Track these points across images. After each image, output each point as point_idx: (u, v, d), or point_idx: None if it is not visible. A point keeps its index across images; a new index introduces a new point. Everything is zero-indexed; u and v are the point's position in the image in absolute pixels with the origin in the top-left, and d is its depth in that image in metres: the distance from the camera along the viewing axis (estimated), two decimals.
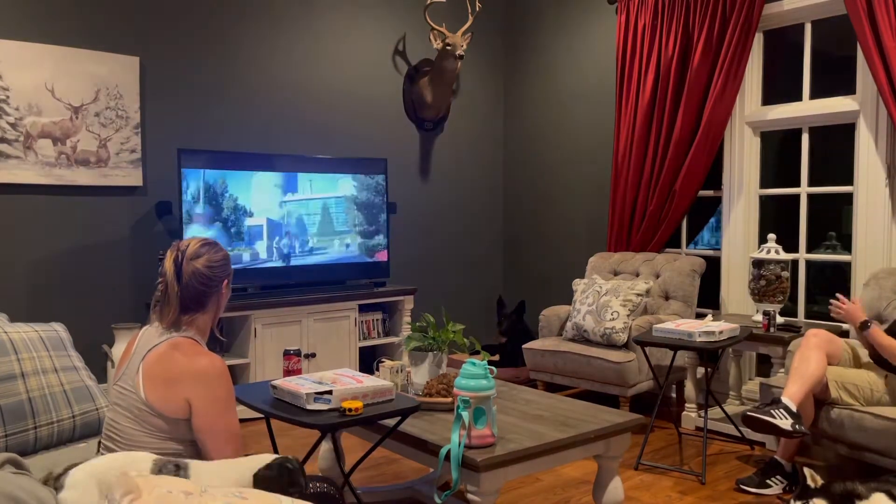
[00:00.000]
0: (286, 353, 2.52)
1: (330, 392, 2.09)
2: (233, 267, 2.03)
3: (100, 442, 1.94)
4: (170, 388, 1.79)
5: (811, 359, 2.93)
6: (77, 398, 2.51)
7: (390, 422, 2.29)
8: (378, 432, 2.43)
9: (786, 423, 2.77)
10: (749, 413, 2.86)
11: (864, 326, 2.98)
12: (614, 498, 2.49)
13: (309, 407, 2.09)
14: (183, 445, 1.81)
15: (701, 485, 3.15)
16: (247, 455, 1.94)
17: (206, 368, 1.81)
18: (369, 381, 2.20)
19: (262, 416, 2.24)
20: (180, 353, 1.83)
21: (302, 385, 2.16)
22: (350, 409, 2.05)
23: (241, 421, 4.25)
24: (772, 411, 2.81)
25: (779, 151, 4.50)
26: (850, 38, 3.77)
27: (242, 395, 2.32)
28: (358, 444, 3.47)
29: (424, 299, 5.32)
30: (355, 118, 5.10)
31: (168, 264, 1.88)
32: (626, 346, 4.02)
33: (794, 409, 2.81)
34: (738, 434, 3.68)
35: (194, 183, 4.09)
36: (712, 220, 4.90)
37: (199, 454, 1.83)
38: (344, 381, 2.19)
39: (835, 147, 4.29)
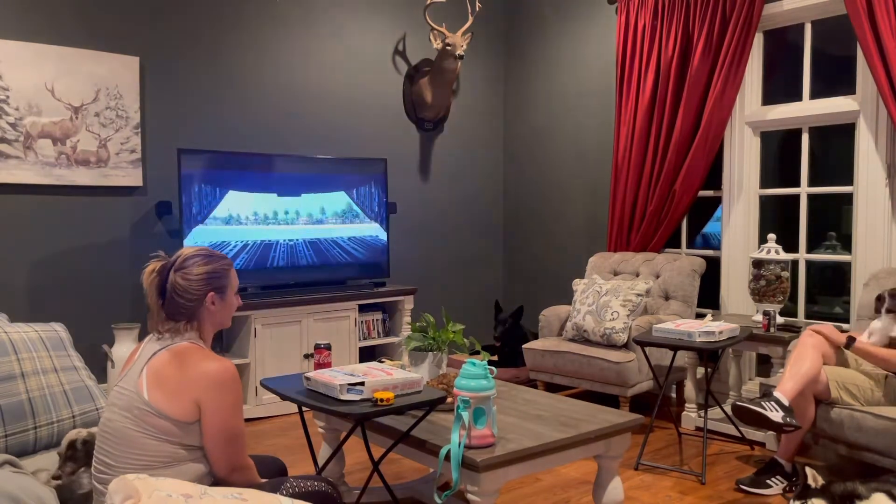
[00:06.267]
0: (317, 347, 2.64)
1: (362, 383, 2.16)
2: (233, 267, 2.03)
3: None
4: (179, 391, 1.78)
5: (806, 357, 2.94)
6: (77, 398, 2.51)
7: (401, 424, 2.37)
8: (385, 432, 2.44)
9: (776, 415, 2.77)
10: (739, 403, 2.85)
11: (849, 343, 3.00)
12: (614, 498, 2.49)
13: (342, 397, 2.15)
14: (188, 451, 1.80)
15: (701, 485, 3.15)
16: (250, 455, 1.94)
17: (217, 372, 1.81)
18: (399, 374, 2.27)
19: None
20: (189, 357, 1.83)
21: (335, 377, 2.23)
22: (381, 400, 2.11)
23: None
24: (762, 403, 2.81)
25: (779, 151, 4.50)
26: (850, 38, 3.77)
27: (275, 387, 2.40)
28: (357, 444, 3.47)
29: (424, 299, 5.32)
30: (355, 118, 5.10)
31: (147, 273, 1.92)
32: (626, 346, 4.02)
33: (786, 403, 2.80)
34: (738, 434, 3.68)
35: (194, 183, 4.09)
36: (712, 220, 4.90)
37: (204, 460, 1.83)
38: (375, 374, 2.26)
39: (835, 147, 4.29)
